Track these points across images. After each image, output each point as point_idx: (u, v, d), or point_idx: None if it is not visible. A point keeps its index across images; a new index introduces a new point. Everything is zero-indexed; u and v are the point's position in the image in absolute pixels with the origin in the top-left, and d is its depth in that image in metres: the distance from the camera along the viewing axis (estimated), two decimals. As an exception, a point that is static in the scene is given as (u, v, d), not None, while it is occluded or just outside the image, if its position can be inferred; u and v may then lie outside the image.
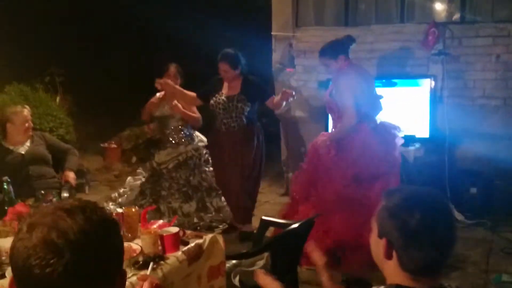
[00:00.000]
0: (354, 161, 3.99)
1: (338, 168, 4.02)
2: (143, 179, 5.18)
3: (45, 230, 1.04)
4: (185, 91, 4.81)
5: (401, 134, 4.16)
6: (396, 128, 4.16)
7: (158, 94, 5.08)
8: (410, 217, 1.34)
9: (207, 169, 5.06)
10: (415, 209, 1.35)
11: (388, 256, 1.39)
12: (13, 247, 1.08)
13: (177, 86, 4.79)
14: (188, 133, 5.07)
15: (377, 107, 4.20)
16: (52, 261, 1.02)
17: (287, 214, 4.12)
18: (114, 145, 7.97)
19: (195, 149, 5.05)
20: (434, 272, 1.40)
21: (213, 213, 5.01)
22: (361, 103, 4.04)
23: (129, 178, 5.49)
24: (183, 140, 4.99)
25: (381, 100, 4.25)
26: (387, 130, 4.13)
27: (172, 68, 4.91)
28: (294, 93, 4.56)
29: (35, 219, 1.08)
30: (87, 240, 1.06)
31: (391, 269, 1.40)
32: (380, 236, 1.41)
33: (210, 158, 5.06)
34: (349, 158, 4.01)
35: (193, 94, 4.83)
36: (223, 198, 5.05)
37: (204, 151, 5.11)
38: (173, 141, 4.99)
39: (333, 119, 4.35)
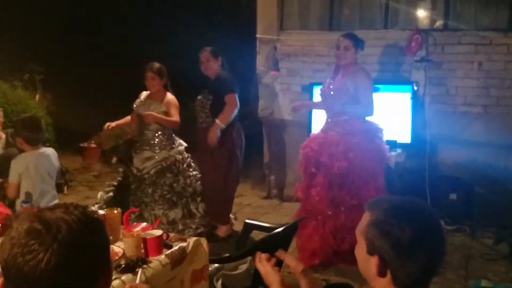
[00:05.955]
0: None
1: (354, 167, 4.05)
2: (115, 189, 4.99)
3: (28, 222, 1.10)
4: (166, 118, 4.63)
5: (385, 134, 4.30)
6: (380, 128, 4.27)
7: (143, 93, 4.87)
8: (402, 233, 1.29)
9: (190, 173, 4.82)
10: (405, 223, 1.31)
11: (382, 274, 1.34)
12: (1, 245, 1.11)
13: (158, 115, 4.59)
14: (168, 136, 4.77)
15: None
16: (34, 247, 1.05)
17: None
18: (93, 145, 7.81)
19: (179, 153, 4.79)
20: (425, 284, 1.38)
21: (199, 219, 4.79)
22: None
23: (100, 193, 5.23)
24: (163, 143, 4.72)
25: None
26: (374, 129, 4.24)
27: (148, 74, 4.69)
28: None
29: (21, 218, 1.13)
30: (69, 231, 1.09)
31: (383, 285, 1.36)
32: (371, 253, 1.36)
33: (192, 162, 4.90)
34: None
35: (175, 119, 4.64)
36: None
37: (187, 155, 4.86)
38: (153, 144, 4.72)
39: (333, 105, 4.26)
